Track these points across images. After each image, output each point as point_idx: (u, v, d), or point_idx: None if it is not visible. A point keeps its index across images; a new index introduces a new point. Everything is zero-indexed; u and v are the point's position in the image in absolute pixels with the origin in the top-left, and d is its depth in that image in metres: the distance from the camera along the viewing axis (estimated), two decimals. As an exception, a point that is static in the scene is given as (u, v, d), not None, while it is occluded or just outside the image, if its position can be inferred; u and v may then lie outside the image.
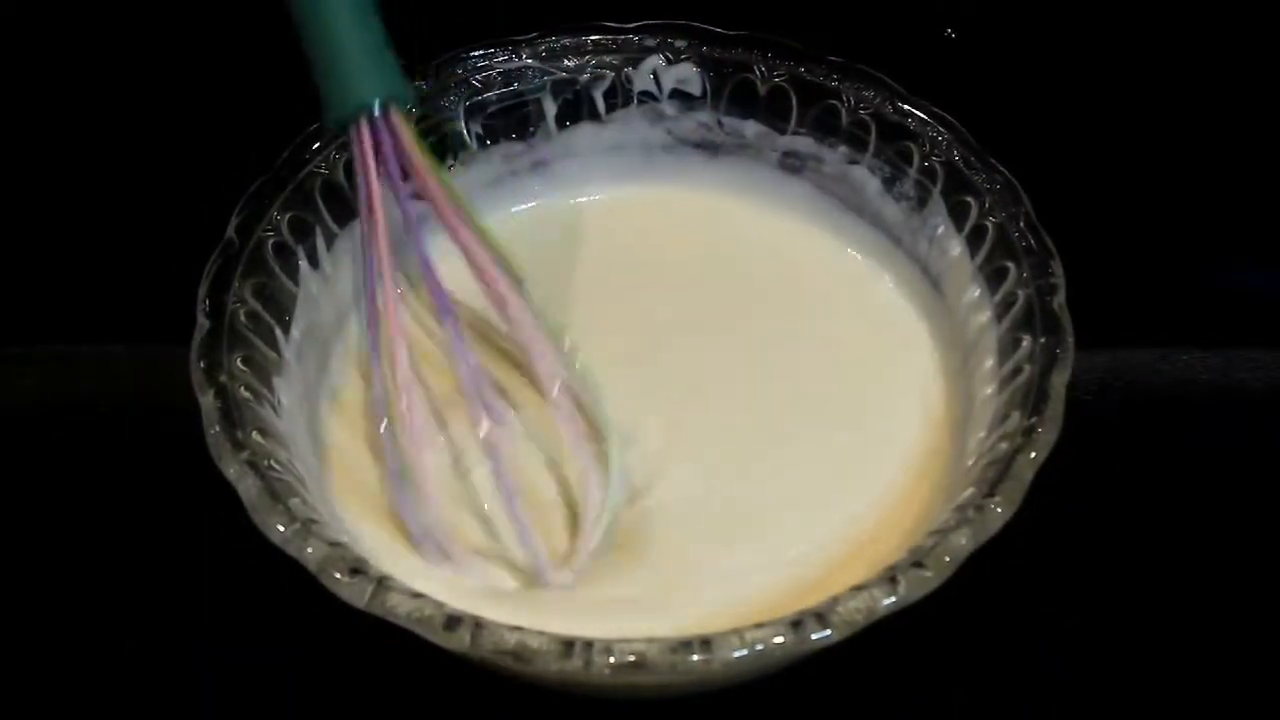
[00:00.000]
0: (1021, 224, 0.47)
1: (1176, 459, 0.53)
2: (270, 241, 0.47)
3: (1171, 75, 0.59)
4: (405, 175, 0.45)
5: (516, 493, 0.44)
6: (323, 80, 0.43)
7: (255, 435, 0.42)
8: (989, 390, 0.45)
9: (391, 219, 0.45)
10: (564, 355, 0.46)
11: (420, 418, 0.45)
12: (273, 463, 0.41)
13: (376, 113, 0.43)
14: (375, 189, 0.44)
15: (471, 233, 0.45)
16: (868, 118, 0.51)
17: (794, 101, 0.52)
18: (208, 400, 0.42)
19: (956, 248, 0.49)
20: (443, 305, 0.45)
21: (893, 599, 0.37)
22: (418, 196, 0.45)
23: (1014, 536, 0.39)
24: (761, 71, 0.52)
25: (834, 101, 0.51)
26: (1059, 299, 0.45)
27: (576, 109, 0.54)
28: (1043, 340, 0.44)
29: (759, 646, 0.36)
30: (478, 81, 0.52)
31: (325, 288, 0.49)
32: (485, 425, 0.45)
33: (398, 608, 0.37)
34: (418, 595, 0.37)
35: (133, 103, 0.59)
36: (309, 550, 0.38)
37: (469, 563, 0.44)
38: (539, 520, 0.44)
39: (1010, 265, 0.46)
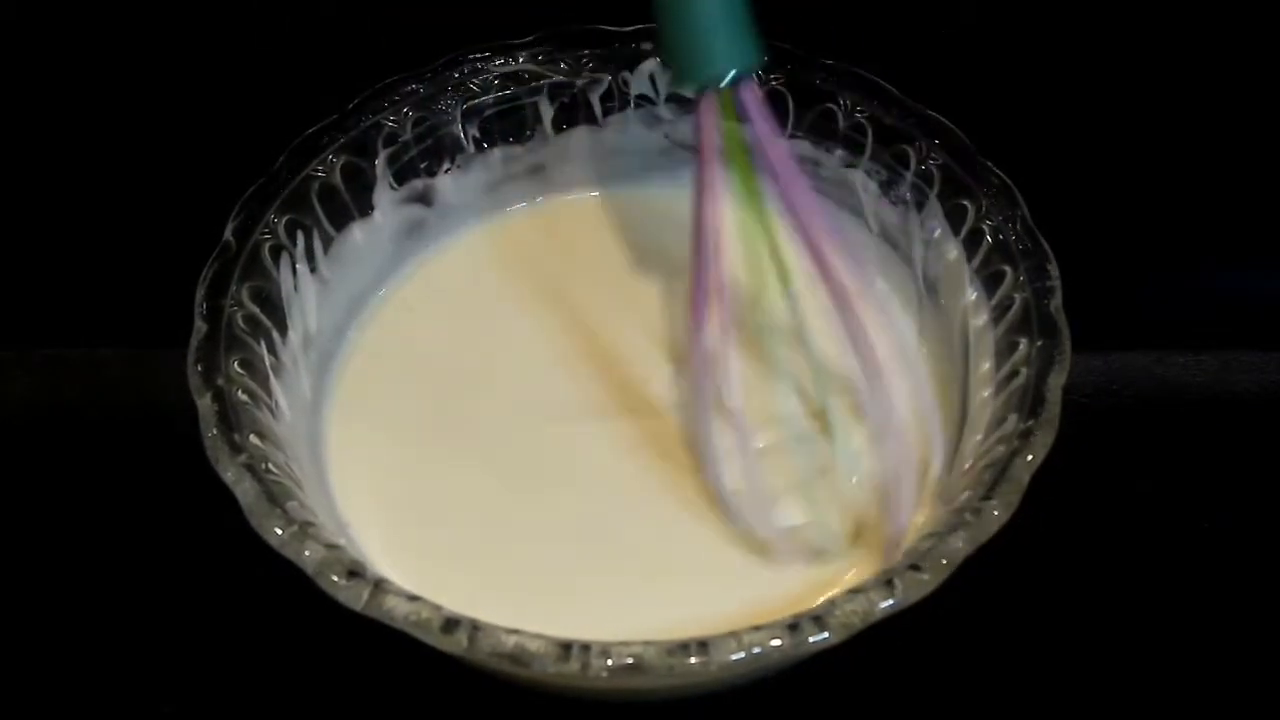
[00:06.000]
0: (1018, 227, 0.47)
1: (1173, 461, 0.53)
2: (267, 245, 0.47)
3: (1167, 78, 0.59)
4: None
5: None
6: (684, 44, 0.44)
7: (253, 438, 0.42)
8: (986, 393, 0.45)
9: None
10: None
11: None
12: (270, 465, 0.41)
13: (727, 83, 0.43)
14: (713, 159, 0.44)
15: (812, 201, 0.45)
16: (864, 121, 0.51)
17: (791, 105, 0.52)
18: (205, 403, 0.42)
19: (953, 251, 0.49)
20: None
21: (890, 602, 0.37)
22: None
23: (1011, 539, 0.39)
24: (758, 75, 0.52)
25: (831, 105, 0.51)
26: (1055, 302, 0.45)
27: (573, 113, 0.54)
28: (1039, 343, 0.44)
29: (756, 649, 0.36)
30: (475, 85, 0.52)
31: (323, 291, 0.49)
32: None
33: (395, 610, 0.37)
34: (415, 598, 0.37)
35: (129, 105, 0.59)
36: (306, 553, 0.38)
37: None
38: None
39: (1007, 268, 0.46)
